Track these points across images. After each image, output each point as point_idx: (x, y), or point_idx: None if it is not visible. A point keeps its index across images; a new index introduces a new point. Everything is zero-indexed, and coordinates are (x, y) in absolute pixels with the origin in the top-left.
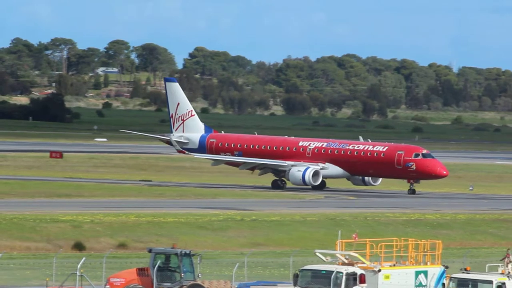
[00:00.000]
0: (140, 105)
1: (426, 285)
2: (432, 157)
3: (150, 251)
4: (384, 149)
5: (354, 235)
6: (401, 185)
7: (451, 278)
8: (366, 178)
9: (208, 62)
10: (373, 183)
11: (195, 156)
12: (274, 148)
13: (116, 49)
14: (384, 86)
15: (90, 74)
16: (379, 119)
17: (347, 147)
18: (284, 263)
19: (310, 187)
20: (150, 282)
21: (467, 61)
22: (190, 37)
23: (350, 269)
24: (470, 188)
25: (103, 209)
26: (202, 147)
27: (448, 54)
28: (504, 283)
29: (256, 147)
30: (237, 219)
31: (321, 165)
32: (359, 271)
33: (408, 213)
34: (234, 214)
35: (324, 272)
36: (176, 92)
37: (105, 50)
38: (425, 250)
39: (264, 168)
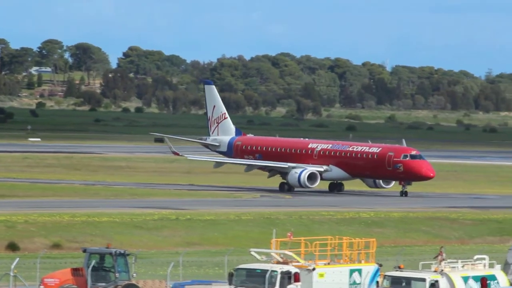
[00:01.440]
0: (74, 105)
1: (360, 283)
2: (421, 158)
3: (84, 251)
4: (378, 151)
5: (289, 234)
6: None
7: (385, 276)
8: (376, 180)
9: (142, 61)
10: (384, 186)
11: (188, 158)
12: (288, 150)
13: (49, 48)
14: (318, 85)
15: (24, 74)
16: (313, 117)
17: (347, 149)
18: (219, 262)
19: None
20: (85, 282)
21: (400, 60)
22: (124, 37)
23: (285, 267)
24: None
25: (37, 209)
26: (230, 150)
27: (382, 53)
28: (437, 281)
29: (273, 150)
30: (172, 218)
31: (324, 167)
32: (293, 270)
33: (343, 211)
34: (169, 214)
35: (259, 271)
36: (213, 95)
37: (39, 50)
38: (359, 248)
39: (272, 171)
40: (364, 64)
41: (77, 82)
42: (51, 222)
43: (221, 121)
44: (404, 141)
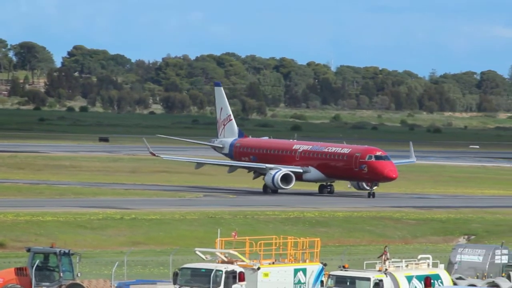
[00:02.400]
0: (18, 104)
1: (305, 283)
2: (387, 159)
3: (28, 250)
4: (347, 152)
5: (233, 233)
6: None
7: (329, 276)
8: (359, 182)
9: (87, 61)
10: (366, 188)
11: (163, 158)
12: (276, 152)
13: None
14: (263, 85)
15: None
16: (258, 117)
17: (323, 150)
18: (163, 262)
19: (285, 191)
20: (29, 282)
21: (345, 60)
22: (69, 36)
23: (230, 267)
24: (349, 186)
25: None
26: (231, 152)
27: (326, 53)
28: (381, 280)
29: (264, 151)
30: (116, 218)
31: (304, 168)
32: (238, 269)
33: (287, 211)
34: (114, 213)
35: (203, 270)
36: (221, 97)
37: None
38: (304, 247)
39: (255, 172)
40: (309, 64)
41: (21, 81)
42: None
43: (226, 123)
44: (411, 143)
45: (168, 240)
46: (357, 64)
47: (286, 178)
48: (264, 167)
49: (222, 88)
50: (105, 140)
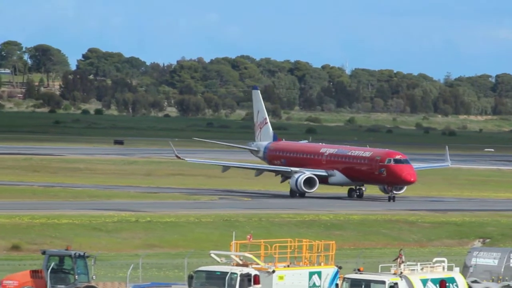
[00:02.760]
0: (33, 107)
1: (320, 286)
2: (406, 162)
3: (44, 253)
4: (369, 155)
5: (248, 236)
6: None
7: (344, 279)
8: (385, 186)
9: (102, 63)
10: (394, 191)
11: (187, 161)
12: (305, 155)
13: (8, 50)
14: (277, 88)
15: None
16: (273, 120)
17: (347, 154)
18: (178, 265)
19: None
20: (44, 284)
21: (359, 63)
22: (84, 38)
23: (245, 270)
24: (364, 188)
25: None
26: (265, 155)
27: (341, 56)
28: (396, 283)
29: (294, 155)
30: (131, 220)
31: (329, 172)
32: (253, 272)
33: (302, 214)
34: (129, 216)
35: (218, 273)
36: (257, 100)
37: None
38: (319, 250)
39: (283, 176)
40: (323, 67)
41: (37, 84)
42: (10, 224)
43: (263, 126)
44: (447, 147)
45: (183, 243)
46: (371, 67)
47: (309, 182)
48: (289, 170)
49: (259, 91)
50: (120, 143)
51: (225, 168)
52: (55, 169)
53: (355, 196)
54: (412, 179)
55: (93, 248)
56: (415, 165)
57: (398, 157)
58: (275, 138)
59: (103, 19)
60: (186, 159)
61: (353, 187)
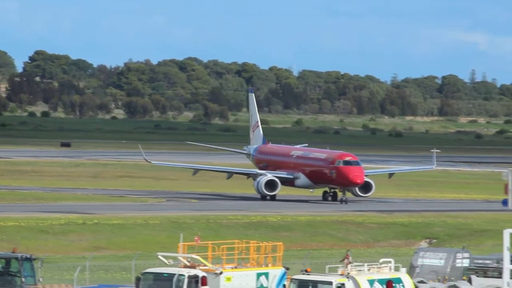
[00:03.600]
0: None
1: (267, 287)
2: (356, 164)
3: None
4: (323, 157)
5: (196, 238)
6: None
7: (292, 280)
8: (353, 189)
9: (49, 66)
10: (360, 194)
11: (153, 163)
12: (279, 158)
13: None
14: (225, 89)
15: None
16: (220, 122)
17: (309, 155)
18: (126, 267)
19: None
20: None
21: (306, 65)
22: (30, 41)
23: (192, 271)
24: (311, 190)
25: None
26: (253, 159)
27: (288, 58)
28: (343, 284)
29: (272, 158)
30: (78, 223)
31: (295, 174)
32: (201, 274)
33: (250, 215)
34: (76, 218)
35: (166, 275)
36: (251, 103)
37: None
38: (266, 252)
39: (250, 177)
40: (271, 69)
41: None
42: None
43: (255, 130)
44: (434, 151)
45: (130, 245)
46: (319, 68)
47: (271, 184)
48: (255, 173)
49: (253, 94)
50: (67, 145)
51: (195, 171)
52: (1, 172)
53: (329, 198)
54: (358, 181)
55: (40, 251)
56: (398, 167)
57: (347, 158)
58: (264, 141)
59: (49, 21)
60: (152, 161)
61: (327, 189)
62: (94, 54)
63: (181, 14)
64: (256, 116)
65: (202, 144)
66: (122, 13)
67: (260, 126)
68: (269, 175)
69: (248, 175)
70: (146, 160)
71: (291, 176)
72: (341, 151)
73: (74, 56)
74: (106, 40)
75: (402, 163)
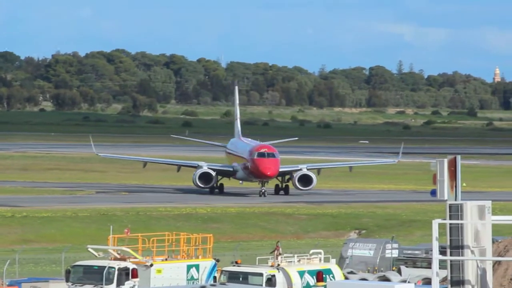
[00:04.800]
0: None
1: (197, 279)
2: (271, 156)
3: None
4: (248, 149)
5: (126, 230)
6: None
7: (222, 271)
8: (293, 181)
9: None
10: (299, 187)
11: (101, 156)
12: (236, 152)
13: None
14: (153, 81)
15: None
16: (149, 114)
17: (246, 148)
18: (56, 259)
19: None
20: None
21: (235, 56)
22: None
23: (122, 264)
24: (240, 182)
25: None
26: (226, 152)
27: (216, 50)
28: (274, 276)
29: (233, 152)
30: (7, 215)
31: (235, 167)
32: (131, 266)
33: (180, 207)
34: (4, 211)
35: (96, 267)
36: (235, 97)
37: None
38: (197, 244)
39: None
40: (199, 61)
41: None
42: None
43: (234, 123)
44: (402, 144)
45: (60, 237)
46: (247, 60)
47: (202, 177)
48: (197, 165)
49: (236, 87)
50: None
51: (144, 164)
52: None
53: (281, 192)
54: (268, 173)
55: None
56: (361, 160)
57: (262, 150)
58: (239, 135)
59: None
60: (100, 154)
61: (279, 183)
62: (21, 46)
63: (108, 6)
64: (236, 109)
65: (188, 139)
66: (49, 4)
67: (238, 120)
68: (205, 168)
69: (192, 167)
70: (96, 153)
71: (231, 169)
72: (260, 143)
73: (1, 49)
74: (33, 32)
75: (331, 154)
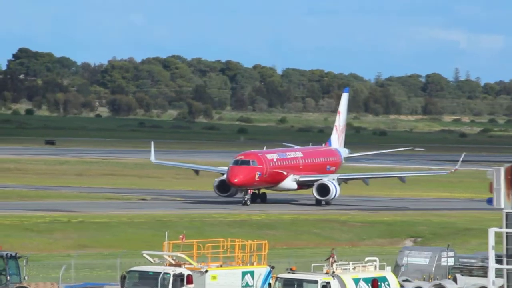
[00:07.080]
0: None
1: (252, 285)
2: (245, 164)
3: None
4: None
5: (181, 236)
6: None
7: (277, 278)
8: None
9: (33, 63)
10: (317, 197)
11: (154, 163)
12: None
13: None
14: (209, 88)
15: None
16: (204, 120)
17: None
18: (111, 265)
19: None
20: None
21: (290, 63)
22: (14, 38)
23: (178, 270)
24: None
25: None
26: None
27: (272, 56)
28: (329, 283)
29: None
30: (63, 220)
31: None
32: (186, 272)
33: (234, 213)
34: (61, 216)
35: (151, 273)
36: (344, 103)
37: None
38: (252, 250)
39: None
40: (254, 67)
41: None
42: None
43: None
44: (463, 154)
45: (115, 243)
46: (302, 67)
47: (219, 187)
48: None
49: (347, 94)
50: (51, 143)
51: (196, 171)
52: None
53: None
54: (235, 180)
55: (24, 249)
56: (415, 169)
57: (238, 158)
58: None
59: (32, 19)
60: (153, 161)
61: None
62: (77, 52)
63: (164, 12)
64: (344, 117)
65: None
66: (105, 10)
67: (335, 128)
68: (224, 176)
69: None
70: (150, 160)
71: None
72: (250, 151)
73: (57, 54)
74: (89, 37)
75: (388, 162)
